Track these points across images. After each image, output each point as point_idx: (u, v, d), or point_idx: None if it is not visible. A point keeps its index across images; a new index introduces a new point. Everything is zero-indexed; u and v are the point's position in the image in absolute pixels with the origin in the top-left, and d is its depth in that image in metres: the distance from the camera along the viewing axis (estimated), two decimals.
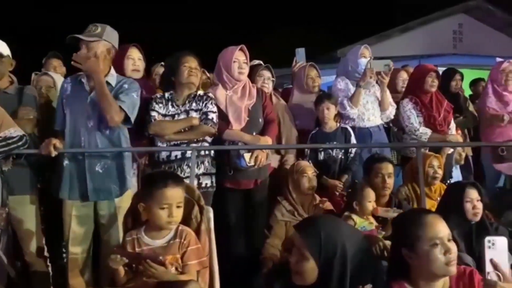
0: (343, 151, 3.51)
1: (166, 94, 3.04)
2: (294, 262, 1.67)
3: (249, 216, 3.12)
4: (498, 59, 4.34)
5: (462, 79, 4.70)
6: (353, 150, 3.52)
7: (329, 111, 3.55)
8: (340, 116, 3.70)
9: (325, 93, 3.94)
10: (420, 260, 1.62)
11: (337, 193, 3.39)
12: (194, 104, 2.98)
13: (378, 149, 3.69)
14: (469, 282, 1.62)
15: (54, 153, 2.62)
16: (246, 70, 3.17)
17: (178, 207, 2.02)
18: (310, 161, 3.38)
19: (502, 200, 3.70)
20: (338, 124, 3.61)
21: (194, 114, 2.96)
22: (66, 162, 2.73)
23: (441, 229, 1.64)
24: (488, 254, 1.43)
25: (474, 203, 2.69)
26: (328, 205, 3.12)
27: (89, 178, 2.69)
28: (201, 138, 2.97)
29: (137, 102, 2.77)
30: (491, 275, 1.42)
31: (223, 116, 3.06)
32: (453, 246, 1.61)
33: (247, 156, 2.98)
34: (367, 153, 3.67)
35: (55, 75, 3.56)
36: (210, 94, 3.05)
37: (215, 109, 3.00)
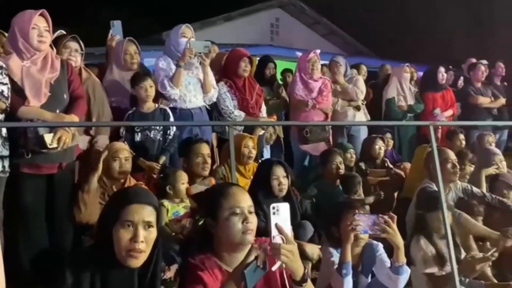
0: (161, 132, 3.42)
1: None
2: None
3: (52, 204, 2.78)
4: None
5: (275, 67, 5.03)
6: (172, 131, 3.46)
7: (150, 90, 3.40)
8: (161, 96, 3.60)
9: (144, 71, 3.77)
10: (220, 228, 1.67)
11: (155, 176, 3.27)
12: None
13: (199, 131, 3.71)
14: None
15: None
16: (47, 38, 2.76)
17: None
18: (125, 142, 3.21)
19: (306, 177, 4.10)
20: (156, 105, 3.50)
21: None
22: None
23: (242, 199, 1.70)
24: (273, 220, 1.50)
25: (280, 180, 2.91)
26: None
27: None
28: None
29: None
30: (276, 238, 1.49)
31: (18, 90, 2.64)
32: (252, 218, 1.68)
33: (48, 136, 2.63)
34: (188, 134, 3.66)
35: None
36: (2, 64, 2.60)
37: (6, 80, 2.56)
